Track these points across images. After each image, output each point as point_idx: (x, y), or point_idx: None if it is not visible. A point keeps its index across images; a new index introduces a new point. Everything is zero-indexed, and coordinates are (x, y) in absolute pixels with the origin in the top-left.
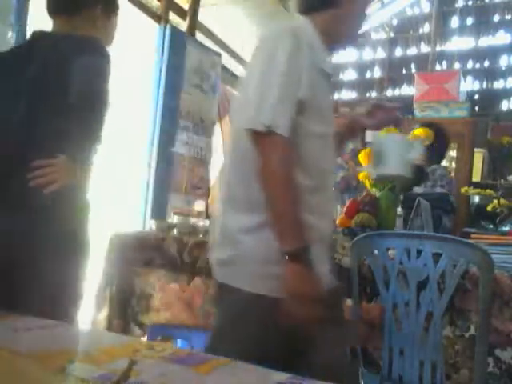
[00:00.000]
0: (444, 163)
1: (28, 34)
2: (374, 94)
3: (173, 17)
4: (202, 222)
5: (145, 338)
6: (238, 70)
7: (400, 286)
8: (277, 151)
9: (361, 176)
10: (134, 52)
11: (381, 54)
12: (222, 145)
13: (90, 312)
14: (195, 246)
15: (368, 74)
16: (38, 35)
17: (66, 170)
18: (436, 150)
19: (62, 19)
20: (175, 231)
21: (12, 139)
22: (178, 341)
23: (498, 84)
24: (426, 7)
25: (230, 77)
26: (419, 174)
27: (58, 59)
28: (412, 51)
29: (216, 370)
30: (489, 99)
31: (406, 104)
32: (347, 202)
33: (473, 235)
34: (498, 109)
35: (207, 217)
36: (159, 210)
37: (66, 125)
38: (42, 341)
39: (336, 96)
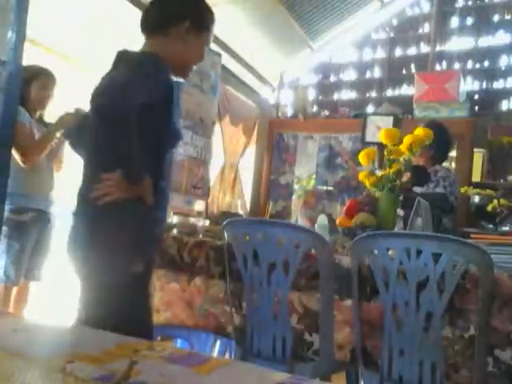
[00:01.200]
0: (444, 163)
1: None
2: (373, 94)
3: None
4: (202, 222)
5: None
6: (237, 70)
7: (400, 286)
8: None
9: (361, 176)
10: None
11: (381, 53)
12: (222, 145)
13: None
14: (195, 246)
15: (368, 74)
16: (118, 54)
17: (121, 185)
18: (438, 150)
19: (147, 37)
20: (175, 231)
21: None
22: (178, 341)
23: (498, 84)
24: (425, 7)
25: (230, 77)
26: (421, 175)
27: (114, 78)
28: (412, 51)
29: (216, 370)
30: (489, 99)
31: (406, 104)
32: (347, 202)
33: (473, 235)
34: (497, 109)
35: (207, 217)
36: None
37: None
38: (42, 341)
39: (336, 96)
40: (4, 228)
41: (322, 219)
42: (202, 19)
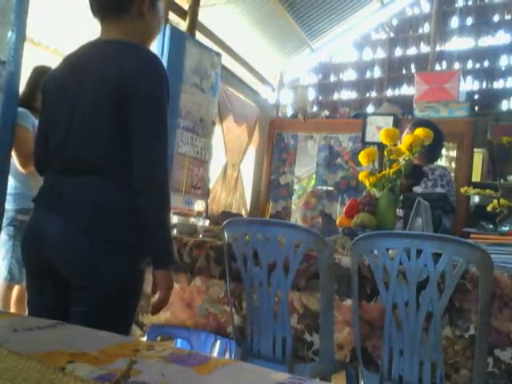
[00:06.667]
0: (444, 163)
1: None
2: (373, 94)
3: (173, 17)
4: (202, 222)
5: (145, 338)
6: (237, 70)
7: (400, 286)
8: None
9: (361, 176)
10: None
11: (381, 53)
12: (222, 145)
13: None
14: (195, 246)
15: (368, 74)
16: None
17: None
18: (432, 150)
19: (104, 22)
20: (175, 231)
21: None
22: (178, 341)
23: (498, 84)
24: (426, 7)
25: (230, 77)
26: (418, 174)
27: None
28: (412, 51)
29: (216, 370)
30: (489, 99)
31: (406, 104)
32: (347, 202)
33: (472, 235)
34: (497, 109)
35: (207, 217)
36: None
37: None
38: (42, 341)
39: (336, 96)
40: (9, 228)
41: None
42: None
